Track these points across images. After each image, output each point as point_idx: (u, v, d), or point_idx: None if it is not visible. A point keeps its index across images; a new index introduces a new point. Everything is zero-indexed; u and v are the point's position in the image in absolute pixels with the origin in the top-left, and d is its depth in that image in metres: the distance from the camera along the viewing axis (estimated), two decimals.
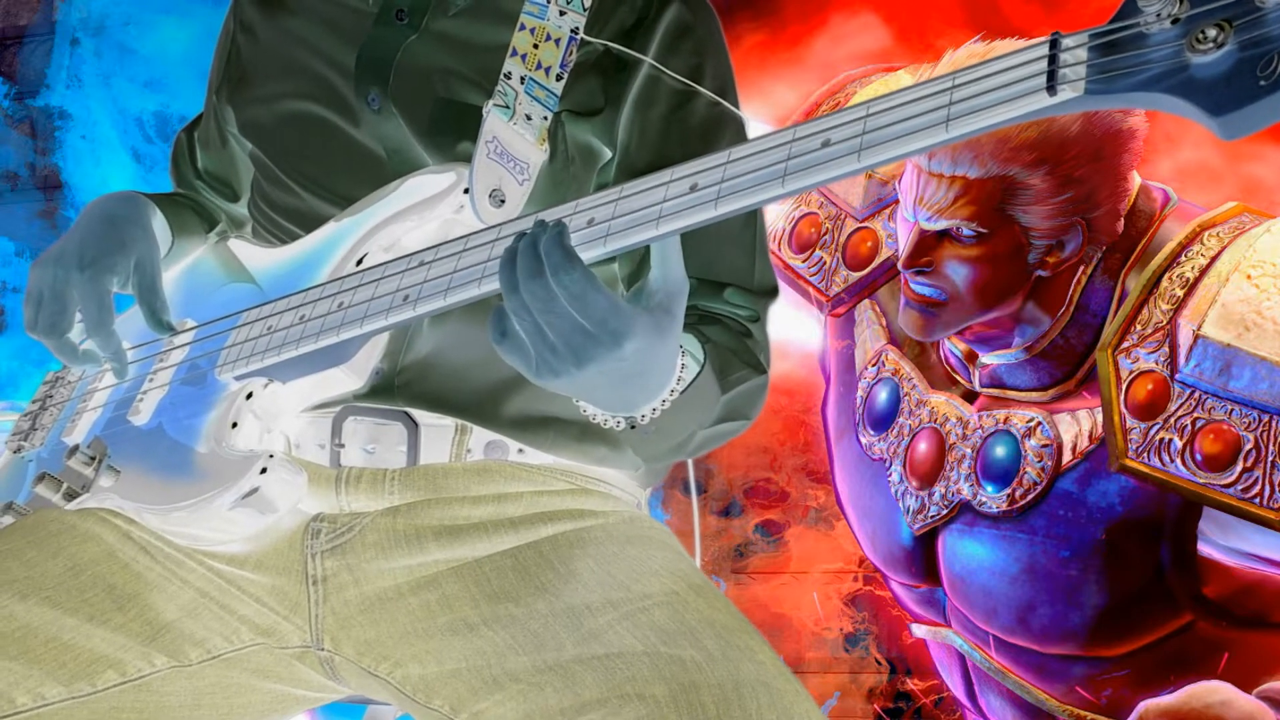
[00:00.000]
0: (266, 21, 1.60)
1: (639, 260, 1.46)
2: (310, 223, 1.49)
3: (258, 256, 1.53)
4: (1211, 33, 0.85)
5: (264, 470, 1.31)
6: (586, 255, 1.13)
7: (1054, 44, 0.93)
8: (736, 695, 1.16)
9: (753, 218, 1.51)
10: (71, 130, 3.55)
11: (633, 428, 1.25)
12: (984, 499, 2.43)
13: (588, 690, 1.19)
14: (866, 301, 2.74)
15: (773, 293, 1.51)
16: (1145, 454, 2.22)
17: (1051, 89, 0.92)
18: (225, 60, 1.66)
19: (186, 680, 1.35)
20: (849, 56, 2.92)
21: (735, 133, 1.49)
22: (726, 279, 1.47)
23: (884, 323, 2.70)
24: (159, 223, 1.56)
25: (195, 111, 1.79)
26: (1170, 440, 2.19)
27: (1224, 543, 2.30)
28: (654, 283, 1.15)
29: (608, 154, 1.48)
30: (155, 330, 1.49)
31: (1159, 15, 0.88)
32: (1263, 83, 0.83)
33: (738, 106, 1.51)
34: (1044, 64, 0.93)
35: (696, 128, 1.47)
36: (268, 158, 1.57)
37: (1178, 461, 2.18)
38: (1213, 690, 2.31)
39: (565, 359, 1.13)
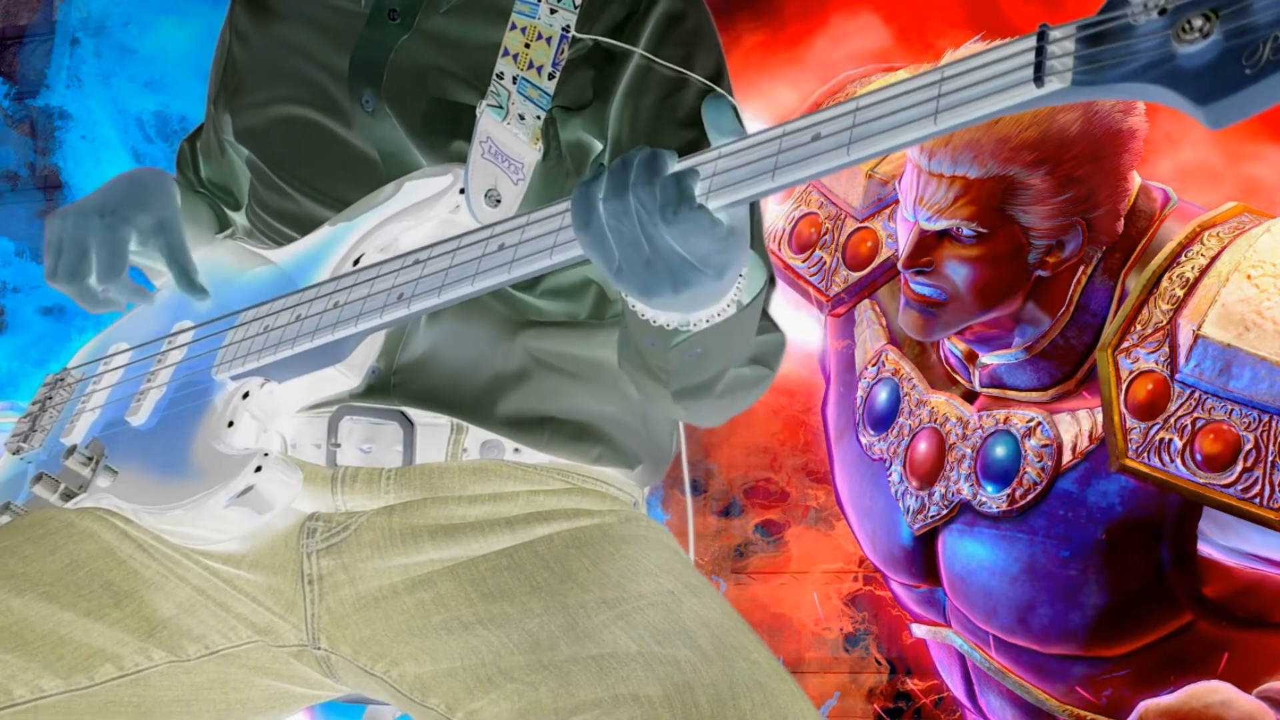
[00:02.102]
0: (259, 28, 1.61)
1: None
2: (305, 226, 1.49)
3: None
4: (1198, 23, 0.85)
5: (258, 469, 1.31)
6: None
7: (1041, 36, 0.93)
8: (730, 695, 1.16)
9: (752, 206, 1.51)
10: (71, 130, 3.56)
11: (674, 332, 1.24)
12: (984, 499, 2.43)
13: (582, 690, 1.19)
14: (866, 301, 2.74)
15: (770, 282, 1.52)
16: (1145, 454, 2.21)
17: (1039, 80, 0.93)
18: (222, 69, 1.67)
19: (184, 675, 1.35)
20: (849, 56, 2.92)
21: None
22: None
23: (884, 323, 2.70)
24: (178, 197, 1.56)
25: (195, 111, 1.80)
26: (1170, 440, 2.19)
27: (1224, 543, 2.30)
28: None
29: (598, 147, 1.48)
30: (187, 292, 1.49)
31: (1146, 6, 0.88)
32: (1248, 71, 0.83)
33: (731, 95, 1.51)
34: (1031, 55, 0.93)
35: (689, 116, 1.46)
36: (262, 162, 1.57)
37: (1178, 461, 2.18)
38: (1213, 690, 2.31)
39: (663, 279, 1.13)
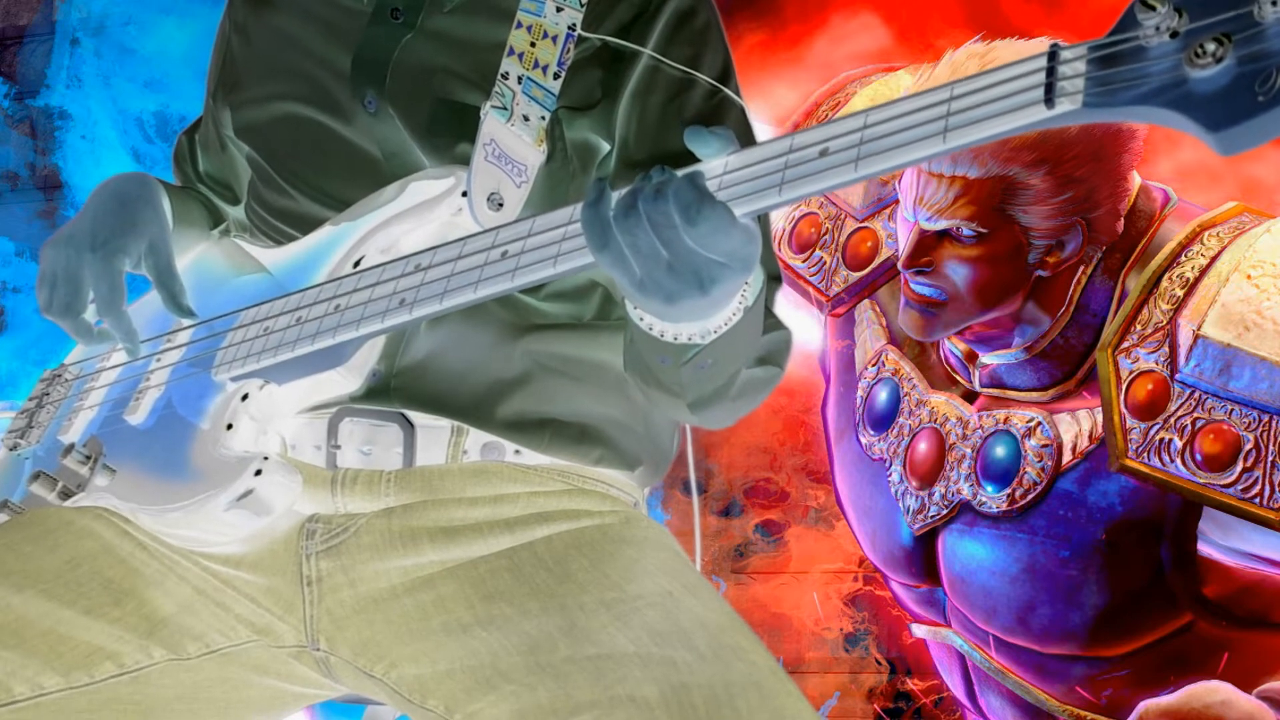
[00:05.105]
0: (258, 22, 1.60)
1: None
2: (305, 225, 1.49)
3: (256, 257, 1.53)
4: (1211, 47, 0.84)
5: (258, 472, 1.31)
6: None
7: (1052, 56, 0.92)
8: (727, 696, 1.16)
9: None
10: (71, 130, 3.56)
11: (685, 347, 1.23)
12: (984, 499, 2.43)
13: (580, 691, 1.19)
14: (866, 301, 2.74)
15: (777, 279, 1.52)
16: (1145, 454, 2.21)
17: (1049, 101, 0.92)
18: (221, 63, 1.65)
19: (184, 674, 1.35)
20: (849, 56, 2.92)
21: (736, 120, 1.48)
22: None
23: (884, 323, 2.70)
24: (166, 206, 1.56)
25: (195, 111, 1.79)
26: (1170, 440, 2.19)
27: (1224, 543, 2.30)
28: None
29: (606, 148, 1.47)
30: (174, 314, 1.48)
31: (1158, 28, 0.87)
32: (1261, 98, 0.82)
33: (739, 95, 1.50)
34: (1042, 76, 0.92)
35: (695, 117, 1.45)
36: (262, 159, 1.56)
37: (1178, 461, 2.18)
38: (1213, 690, 2.31)
39: (688, 281, 1.11)
